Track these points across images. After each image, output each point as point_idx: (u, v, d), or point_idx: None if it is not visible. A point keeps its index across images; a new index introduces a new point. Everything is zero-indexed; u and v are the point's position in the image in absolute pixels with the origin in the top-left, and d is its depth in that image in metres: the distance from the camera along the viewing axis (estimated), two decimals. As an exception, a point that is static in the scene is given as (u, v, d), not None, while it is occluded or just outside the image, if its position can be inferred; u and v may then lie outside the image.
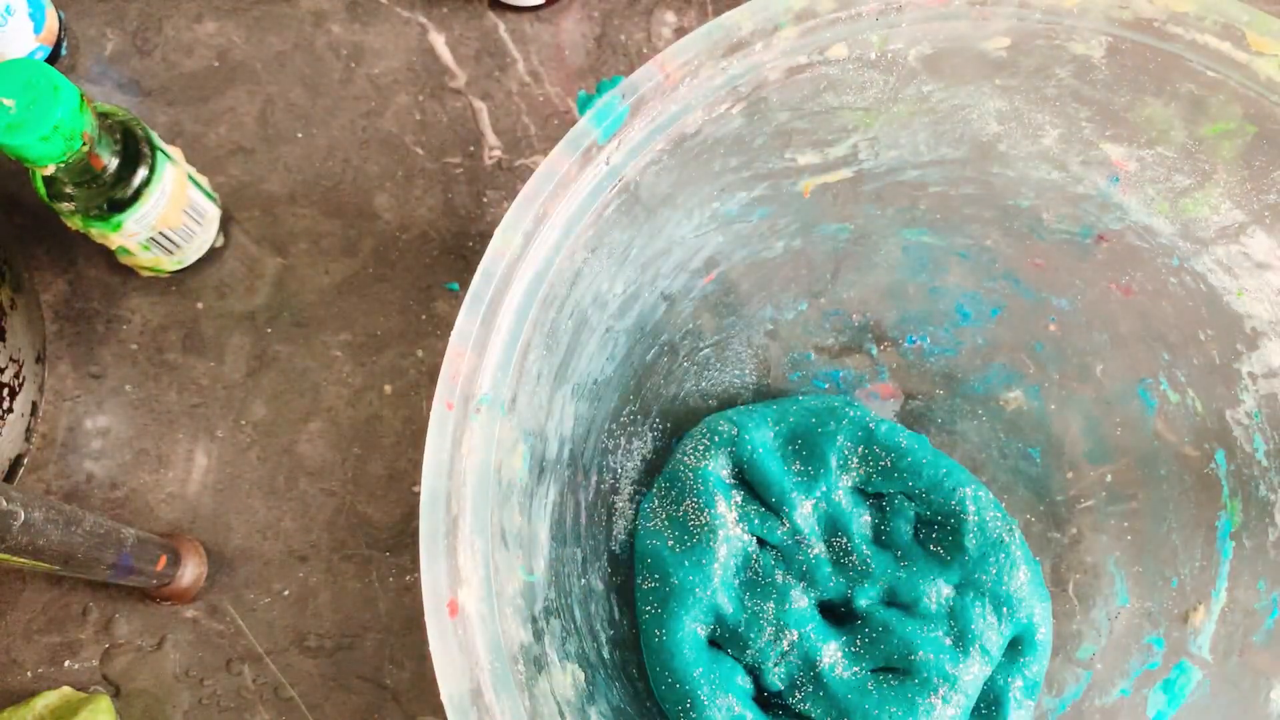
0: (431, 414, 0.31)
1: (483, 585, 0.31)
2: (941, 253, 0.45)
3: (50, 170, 0.40)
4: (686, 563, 0.42)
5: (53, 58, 0.49)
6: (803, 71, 0.35)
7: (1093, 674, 0.43)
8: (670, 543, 0.43)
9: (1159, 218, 0.39)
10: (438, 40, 0.51)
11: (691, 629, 0.42)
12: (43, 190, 0.42)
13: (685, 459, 0.44)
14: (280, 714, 0.46)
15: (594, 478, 0.43)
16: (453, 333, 0.32)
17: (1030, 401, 0.47)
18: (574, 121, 0.38)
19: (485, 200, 0.50)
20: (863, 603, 0.43)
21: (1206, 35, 0.34)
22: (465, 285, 0.32)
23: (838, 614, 0.44)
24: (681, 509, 0.43)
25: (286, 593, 0.47)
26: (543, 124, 0.51)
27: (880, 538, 0.45)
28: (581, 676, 0.37)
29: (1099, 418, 0.46)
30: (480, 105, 0.51)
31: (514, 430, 0.34)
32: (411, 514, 0.47)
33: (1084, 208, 0.41)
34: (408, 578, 0.47)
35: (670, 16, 0.52)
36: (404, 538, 0.47)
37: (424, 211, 0.50)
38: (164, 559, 0.44)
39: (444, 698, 0.30)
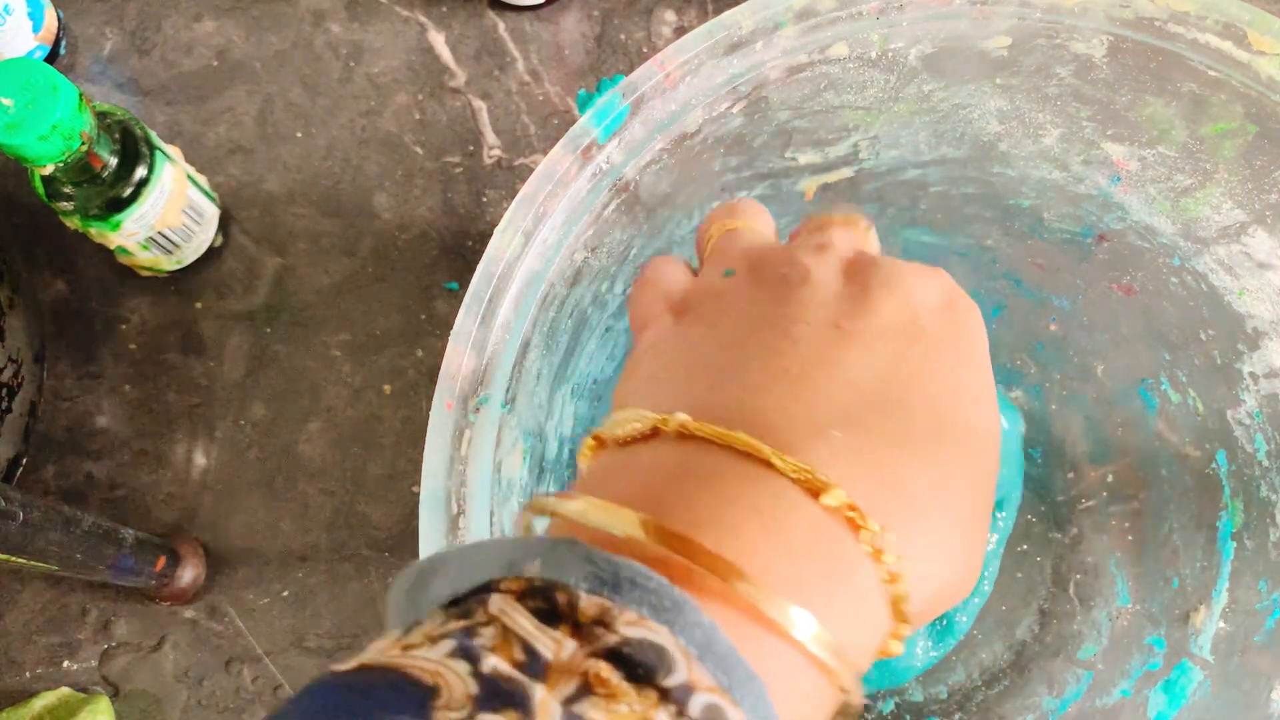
0: (431, 414, 0.31)
1: (482, 586, 0.31)
2: (942, 252, 0.45)
3: (49, 170, 0.39)
4: None
5: (51, 57, 0.49)
6: (803, 70, 0.35)
7: (1093, 674, 0.43)
8: None
9: (1160, 217, 0.39)
10: (437, 39, 0.51)
11: None
12: (41, 190, 0.42)
13: None
14: (279, 714, 0.46)
15: (594, 478, 0.43)
16: (452, 332, 0.32)
17: (1031, 401, 0.47)
18: (574, 121, 0.38)
19: (485, 200, 0.50)
20: None
21: (1208, 34, 0.33)
22: (465, 285, 0.32)
23: None
24: None
25: (286, 593, 0.46)
26: (542, 123, 0.51)
27: None
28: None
29: (1100, 418, 0.46)
30: (480, 104, 0.51)
31: (514, 430, 0.34)
32: (411, 514, 0.47)
33: (1085, 207, 0.41)
34: (407, 578, 0.47)
35: (670, 15, 0.52)
36: (404, 538, 0.47)
37: (423, 211, 0.50)
38: (163, 559, 0.43)
39: (443, 699, 0.30)
